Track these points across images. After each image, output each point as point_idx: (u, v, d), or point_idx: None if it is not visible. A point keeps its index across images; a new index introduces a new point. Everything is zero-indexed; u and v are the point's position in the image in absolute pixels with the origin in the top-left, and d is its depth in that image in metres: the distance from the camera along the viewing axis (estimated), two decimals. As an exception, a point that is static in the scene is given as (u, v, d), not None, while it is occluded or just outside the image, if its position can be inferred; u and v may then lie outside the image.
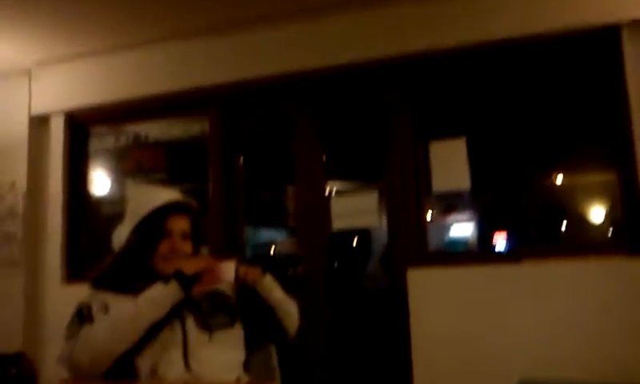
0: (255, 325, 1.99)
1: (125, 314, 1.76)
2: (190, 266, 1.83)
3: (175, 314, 1.81)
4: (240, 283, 1.90)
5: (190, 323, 1.85)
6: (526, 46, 3.33)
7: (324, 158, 3.79)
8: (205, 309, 1.91)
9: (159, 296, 1.78)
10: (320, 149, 3.81)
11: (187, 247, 1.97)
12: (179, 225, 1.97)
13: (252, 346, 2.01)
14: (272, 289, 1.96)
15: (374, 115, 3.70)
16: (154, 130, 4.27)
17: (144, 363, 1.76)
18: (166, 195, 2.00)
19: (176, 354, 1.79)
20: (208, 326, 1.87)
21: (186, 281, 1.80)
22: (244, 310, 1.99)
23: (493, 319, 3.17)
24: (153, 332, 1.76)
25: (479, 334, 3.17)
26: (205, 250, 2.09)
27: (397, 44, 3.50)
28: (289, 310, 2.00)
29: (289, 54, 3.73)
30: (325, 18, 3.64)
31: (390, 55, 3.52)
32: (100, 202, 4.38)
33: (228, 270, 1.86)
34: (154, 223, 1.93)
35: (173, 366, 1.77)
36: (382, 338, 3.57)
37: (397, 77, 3.62)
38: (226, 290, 2.00)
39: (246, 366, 1.96)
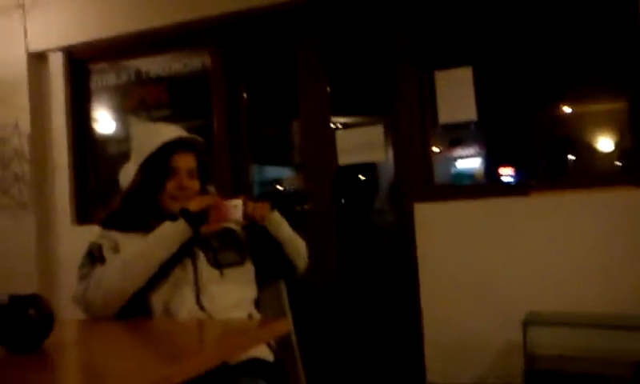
0: (264, 261, 2.00)
1: (135, 253, 1.77)
2: (196, 204, 1.82)
3: (186, 252, 1.82)
4: (249, 220, 1.88)
5: (201, 261, 1.87)
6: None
7: (328, 90, 3.74)
8: (215, 246, 1.92)
9: (168, 234, 1.78)
10: (324, 80, 3.74)
11: (194, 184, 1.96)
12: (185, 162, 1.94)
13: (262, 282, 2.02)
14: (280, 224, 1.95)
15: (379, 45, 3.62)
16: (155, 65, 4.20)
17: (157, 301, 1.79)
18: (169, 132, 1.97)
19: (188, 292, 1.81)
20: (218, 264, 1.88)
21: (193, 218, 1.79)
22: (253, 246, 1.99)
23: (500, 252, 3.18)
24: (164, 270, 1.77)
25: (487, 268, 3.19)
26: (212, 188, 2.08)
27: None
28: (297, 246, 2.00)
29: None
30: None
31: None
32: (104, 140, 4.36)
33: (235, 207, 1.84)
34: (160, 161, 1.91)
35: (185, 303, 1.79)
36: (389, 274, 3.61)
37: (400, 4, 3.52)
38: (235, 227, 2.00)
39: (257, 303, 1.98)
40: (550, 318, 2.92)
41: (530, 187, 3.20)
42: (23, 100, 4.30)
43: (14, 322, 1.30)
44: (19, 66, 4.32)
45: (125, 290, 1.73)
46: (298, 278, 2.06)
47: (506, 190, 3.45)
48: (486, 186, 3.83)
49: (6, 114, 4.33)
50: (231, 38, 3.94)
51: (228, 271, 1.89)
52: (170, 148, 1.92)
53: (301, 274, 2.05)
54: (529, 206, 3.15)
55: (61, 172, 4.27)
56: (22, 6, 4.29)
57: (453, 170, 4.83)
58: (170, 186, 1.91)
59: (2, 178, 4.35)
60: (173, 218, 1.82)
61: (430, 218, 3.36)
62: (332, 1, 3.61)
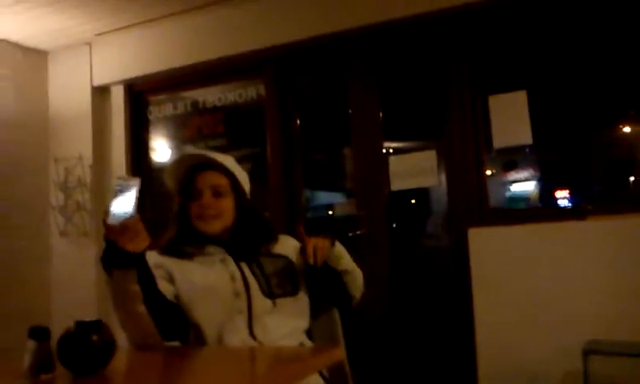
0: (320, 291, 1.98)
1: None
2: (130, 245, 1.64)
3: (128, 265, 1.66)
4: (311, 261, 1.81)
5: (255, 290, 1.85)
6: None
7: (380, 116, 3.75)
8: (269, 274, 1.89)
9: (110, 286, 1.70)
10: (376, 106, 3.77)
11: (222, 202, 1.92)
12: (207, 180, 1.92)
13: (316, 311, 2.01)
14: (341, 258, 1.92)
15: (431, 71, 3.63)
16: (211, 95, 4.33)
17: (209, 329, 1.79)
18: (187, 151, 1.99)
19: (240, 321, 1.80)
20: (272, 294, 1.86)
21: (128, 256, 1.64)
22: (309, 276, 1.96)
23: (558, 278, 3.11)
24: (147, 292, 1.69)
25: (544, 294, 3.12)
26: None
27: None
28: (355, 277, 1.97)
29: (341, 11, 3.68)
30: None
31: (446, 7, 3.42)
32: (162, 169, 4.50)
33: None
34: (185, 184, 1.92)
35: (237, 332, 1.79)
36: (443, 299, 3.56)
37: (453, 30, 3.52)
38: (291, 255, 1.98)
39: (310, 332, 1.96)
40: (611, 347, 2.82)
41: (588, 211, 3.12)
42: (86, 131, 4.50)
43: (79, 348, 1.35)
44: (84, 100, 4.53)
45: (132, 332, 1.72)
46: (354, 307, 2.03)
47: (563, 213, 3.37)
48: (541, 209, 3.75)
49: (71, 145, 4.54)
50: (285, 67, 4.03)
51: (281, 301, 1.87)
52: (193, 170, 1.93)
53: (357, 303, 2.02)
54: (586, 230, 3.07)
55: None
56: (89, 43, 4.51)
57: (507, 194, 4.74)
58: (194, 206, 1.91)
59: (65, 207, 4.53)
60: (214, 241, 1.86)
61: (485, 242, 3.32)
62: (385, 28, 3.64)
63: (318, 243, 1.83)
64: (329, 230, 1.94)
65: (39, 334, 1.36)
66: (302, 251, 1.84)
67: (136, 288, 1.66)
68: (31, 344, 1.35)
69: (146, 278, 1.70)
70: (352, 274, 1.96)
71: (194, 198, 1.91)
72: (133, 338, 1.74)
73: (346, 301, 2.01)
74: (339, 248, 1.93)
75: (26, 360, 1.33)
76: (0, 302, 4.20)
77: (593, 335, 2.88)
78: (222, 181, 1.94)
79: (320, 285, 1.95)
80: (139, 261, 1.67)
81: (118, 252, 1.61)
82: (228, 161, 1.99)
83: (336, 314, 2.08)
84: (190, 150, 2.13)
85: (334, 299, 2.03)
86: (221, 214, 1.91)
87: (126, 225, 1.61)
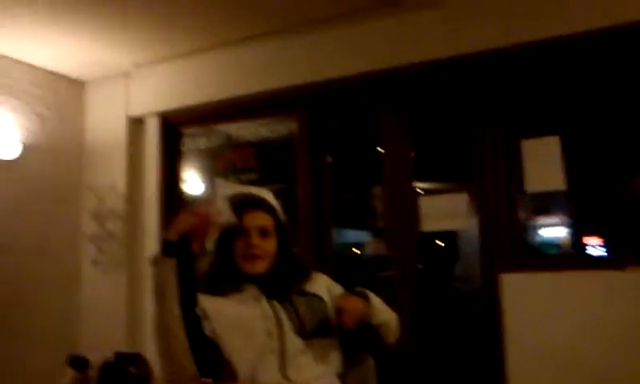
0: (355, 345, 1.96)
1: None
2: (173, 231, 1.78)
3: (186, 280, 1.76)
4: (347, 328, 1.82)
5: (288, 329, 1.83)
6: (621, 36, 3.16)
7: (412, 156, 3.75)
8: (302, 313, 1.88)
9: (156, 282, 1.76)
10: (407, 146, 3.77)
11: (267, 244, 1.93)
12: (255, 220, 1.92)
13: (350, 358, 1.98)
14: (376, 313, 1.90)
15: (464, 112, 3.63)
16: (245, 130, 4.38)
17: (242, 367, 1.77)
18: (237, 189, 1.99)
19: (272, 360, 1.79)
20: (305, 334, 1.84)
21: (172, 248, 1.76)
22: (343, 333, 1.91)
23: (592, 329, 3.03)
24: (187, 310, 1.74)
25: (577, 344, 3.05)
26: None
27: (485, 40, 3.40)
28: (390, 325, 1.96)
29: (375, 52, 3.71)
30: (410, 14, 3.60)
31: (479, 51, 3.43)
32: (193, 201, 4.53)
33: (218, 211, 1.82)
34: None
35: (270, 372, 1.78)
36: (473, 345, 3.50)
37: (486, 73, 3.53)
38: (324, 294, 1.96)
39: (344, 378, 1.93)
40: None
41: (626, 261, 3.05)
42: (120, 161, 4.56)
43: (118, 379, 1.36)
44: (119, 130, 4.61)
45: (170, 349, 1.70)
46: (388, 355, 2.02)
47: (600, 262, 3.31)
48: (576, 257, 3.69)
49: (105, 174, 4.60)
50: (317, 104, 4.06)
51: (314, 341, 1.85)
52: (241, 207, 1.92)
53: (391, 350, 2.00)
54: (623, 280, 3.00)
55: (151, 231, 4.45)
56: (126, 74, 4.61)
57: (537, 239, 4.70)
58: (240, 245, 1.90)
59: (98, 236, 4.57)
60: (248, 279, 1.85)
61: (517, 288, 3.26)
62: (417, 69, 3.67)
63: (351, 306, 1.83)
64: (359, 277, 1.94)
65: (79, 363, 1.37)
66: (338, 313, 1.83)
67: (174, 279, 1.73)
68: (70, 372, 1.36)
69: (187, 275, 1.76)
70: (387, 325, 1.94)
71: (240, 236, 1.91)
72: (169, 366, 1.71)
73: (381, 350, 1.99)
74: (374, 303, 1.91)
75: (65, 387, 1.34)
76: (31, 328, 4.24)
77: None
78: (269, 222, 1.95)
79: (355, 340, 1.94)
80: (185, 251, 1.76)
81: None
82: (271, 198, 2.00)
83: (370, 362, 2.04)
84: (237, 185, 2.14)
85: (368, 349, 2.00)
86: (266, 255, 1.92)
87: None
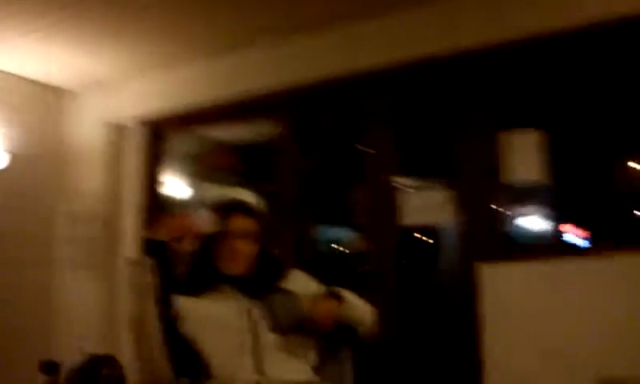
0: (331, 339, 1.96)
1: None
2: (157, 233, 1.84)
3: (163, 279, 1.80)
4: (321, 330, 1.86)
5: (262, 326, 1.86)
6: (601, 31, 3.16)
7: (393, 153, 3.78)
8: (278, 310, 1.90)
9: (134, 280, 1.81)
10: (389, 143, 3.79)
11: (250, 247, 1.94)
12: (237, 224, 1.93)
13: (326, 352, 2.00)
14: (351, 312, 1.92)
15: (443, 108, 3.66)
16: (227, 133, 4.38)
17: (219, 365, 1.79)
18: (220, 193, 2.01)
19: (248, 358, 1.81)
20: (281, 330, 1.87)
21: (156, 248, 1.81)
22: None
23: (572, 315, 3.06)
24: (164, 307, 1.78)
25: (556, 331, 3.08)
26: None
27: (464, 37, 3.44)
28: (365, 319, 1.97)
29: (355, 52, 3.75)
30: (390, 15, 3.63)
31: (459, 49, 3.46)
32: (178, 205, 4.53)
33: (202, 216, 1.87)
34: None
35: (245, 369, 1.80)
36: (452, 336, 3.53)
37: (467, 69, 3.56)
38: (300, 290, 1.97)
39: (320, 371, 1.95)
40: (623, 384, 2.77)
41: (602, 247, 3.09)
42: (101, 166, 4.58)
43: (91, 381, 1.36)
44: (100, 136, 4.63)
45: (146, 349, 1.75)
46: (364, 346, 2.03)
47: (577, 250, 3.35)
48: (554, 246, 3.73)
49: (86, 178, 4.61)
50: (299, 107, 4.08)
51: (290, 337, 1.87)
52: (224, 210, 1.94)
53: (367, 342, 2.01)
54: (602, 266, 3.03)
55: (129, 234, 4.45)
56: (106, 80, 4.60)
57: (516, 229, 4.73)
58: (221, 247, 1.91)
59: (75, 238, 4.57)
60: (225, 279, 1.87)
61: (496, 278, 3.29)
62: (397, 71, 3.69)
63: (325, 309, 1.86)
64: (340, 273, 1.95)
65: (50, 367, 1.37)
66: (313, 317, 1.86)
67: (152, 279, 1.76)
68: (42, 378, 1.36)
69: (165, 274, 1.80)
70: (363, 321, 1.96)
71: (222, 240, 1.92)
72: (144, 366, 1.75)
73: (356, 342, 2.00)
74: (348, 301, 1.93)
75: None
76: (6, 332, 4.21)
77: (608, 372, 2.83)
78: (251, 225, 1.96)
79: (331, 337, 1.94)
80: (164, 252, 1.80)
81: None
82: (254, 201, 2.02)
83: (347, 354, 2.07)
84: (218, 190, 2.14)
85: (343, 341, 2.02)
86: (247, 257, 1.93)
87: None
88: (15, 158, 4.38)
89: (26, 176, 4.48)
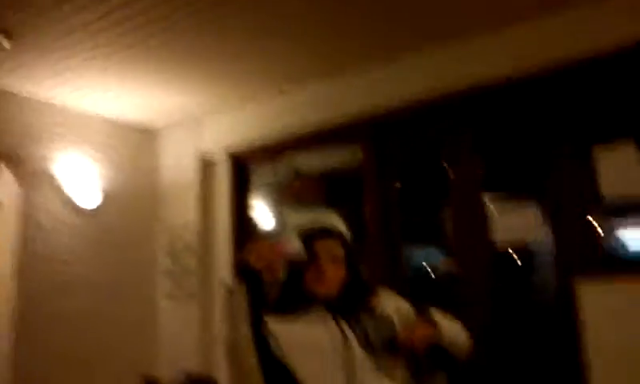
0: (424, 361, 1.93)
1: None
2: (249, 259, 1.85)
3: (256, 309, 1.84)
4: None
5: (354, 346, 1.85)
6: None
7: (481, 174, 3.72)
8: (370, 331, 1.89)
9: (229, 305, 1.84)
10: (475, 164, 3.75)
11: (338, 270, 1.96)
12: (325, 248, 1.95)
13: (419, 373, 1.96)
14: (445, 334, 1.90)
15: (533, 125, 3.58)
16: (311, 161, 4.46)
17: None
18: (306, 219, 2.03)
19: (340, 378, 1.81)
20: (372, 350, 1.86)
21: (249, 273, 1.84)
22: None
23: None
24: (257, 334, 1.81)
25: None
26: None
27: (551, 53, 3.39)
28: (460, 344, 1.94)
29: (435, 77, 3.77)
30: (469, 40, 3.65)
31: (546, 66, 3.41)
32: (267, 233, 4.64)
33: (291, 243, 1.89)
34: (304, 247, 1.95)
35: None
36: (552, 358, 3.37)
37: (555, 86, 3.49)
38: (392, 312, 1.97)
39: None
40: None
41: None
42: (193, 200, 4.76)
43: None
44: (191, 171, 4.83)
45: (241, 370, 1.78)
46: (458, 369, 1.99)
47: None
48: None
49: (179, 213, 4.82)
50: (381, 133, 4.10)
51: (383, 360, 1.86)
52: (311, 236, 1.96)
53: (459, 361, 1.97)
54: None
55: (222, 263, 4.60)
56: (196, 119, 4.83)
57: (620, 248, 4.47)
58: (311, 271, 1.93)
59: (172, 271, 4.77)
60: (316, 301, 1.88)
61: (595, 297, 3.14)
62: (485, 92, 3.67)
63: (420, 334, 1.85)
64: (432, 294, 1.93)
65: (151, 383, 1.43)
66: (407, 341, 1.86)
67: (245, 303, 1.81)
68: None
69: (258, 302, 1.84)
70: (456, 343, 1.93)
71: (311, 263, 1.94)
72: None
73: (450, 366, 1.96)
74: (442, 324, 1.91)
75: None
76: (110, 361, 4.43)
77: None
78: (339, 249, 1.98)
79: (425, 360, 1.92)
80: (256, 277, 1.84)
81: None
82: (341, 225, 2.04)
83: (441, 376, 2.01)
84: (305, 217, 2.18)
85: (437, 365, 1.98)
86: (336, 281, 1.95)
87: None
88: (108, 196, 4.63)
89: (119, 213, 4.71)
